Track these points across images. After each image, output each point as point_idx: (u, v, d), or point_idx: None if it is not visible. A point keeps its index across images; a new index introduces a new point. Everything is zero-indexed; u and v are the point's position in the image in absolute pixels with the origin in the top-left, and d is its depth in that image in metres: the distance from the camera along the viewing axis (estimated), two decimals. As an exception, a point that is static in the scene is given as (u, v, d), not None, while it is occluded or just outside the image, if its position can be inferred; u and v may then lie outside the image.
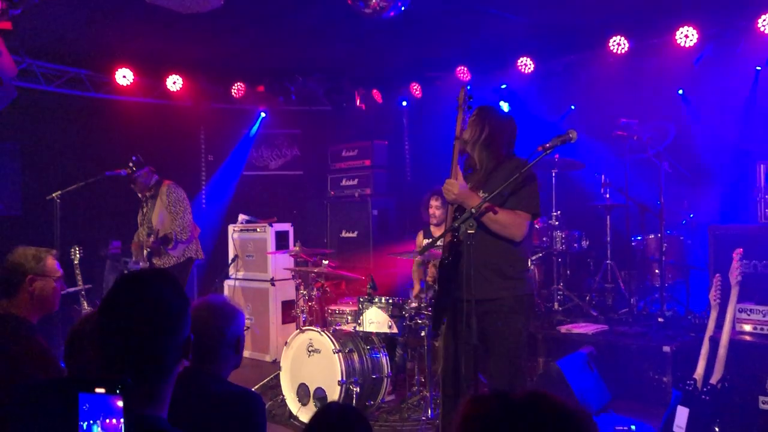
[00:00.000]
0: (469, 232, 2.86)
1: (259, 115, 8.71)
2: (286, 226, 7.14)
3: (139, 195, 5.91)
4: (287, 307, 6.78)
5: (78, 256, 5.83)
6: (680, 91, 6.54)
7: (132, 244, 6.02)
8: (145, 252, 5.71)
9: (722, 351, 3.59)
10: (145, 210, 5.87)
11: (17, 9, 4.82)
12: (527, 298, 3.29)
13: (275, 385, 5.15)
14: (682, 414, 3.59)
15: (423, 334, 4.73)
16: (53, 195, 5.59)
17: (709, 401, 3.54)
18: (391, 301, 4.82)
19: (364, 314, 4.86)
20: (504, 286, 3.20)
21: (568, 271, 6.23)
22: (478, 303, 2.92)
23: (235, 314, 2.32)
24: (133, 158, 5.75)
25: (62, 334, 4.82)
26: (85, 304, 5.78)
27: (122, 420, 1.28)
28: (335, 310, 5.43)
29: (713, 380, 3.57)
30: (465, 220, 2.88)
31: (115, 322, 1.51)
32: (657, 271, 5.73)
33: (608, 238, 6.06)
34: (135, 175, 5.73)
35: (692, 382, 3.63)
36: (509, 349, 3.18)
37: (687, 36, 6.01)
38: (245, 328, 2.41)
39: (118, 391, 1.28)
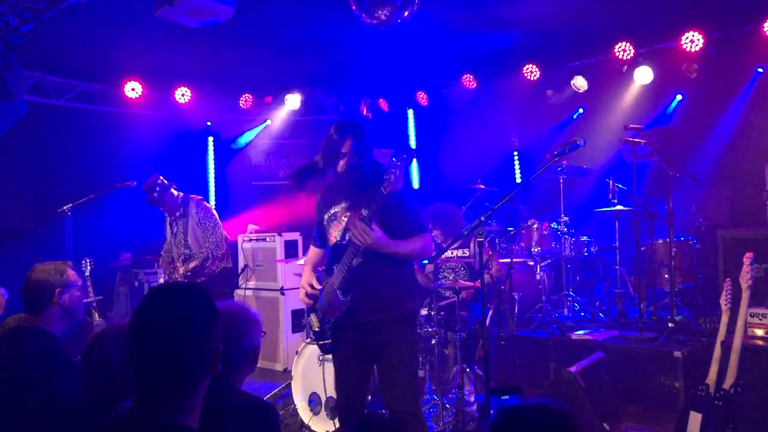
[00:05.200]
0: (479, 240, 2.89)
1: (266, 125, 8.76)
2: (295, 236, 7.15)
3: (168, 216, 5.73)
4: (297, 316, 6.79)
5: (89, 268, 5.88)
6: (679, 97, 6.57)
7: (161, 262, 5.86)
8: (181, 271, 5.52)
9: (734, 356, 3.57)
10: (175, 230, 5.69)
11: (29, 25, 4.89)
12: (414, 313, 3.31)
13: (287, 394, 5.16)
14: (695, 420, 3.58)
15: (434, 342, 4.73)
16: (64, 208, 5.63)
17: (722, 407, 3.52)
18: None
19: (374, 323, 4.85)
20: (398, 301, 3.16)
21: (578, 277, 6.22)
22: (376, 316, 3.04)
23: (254, 323, 2.30)
24: (158, 182, 5.47)
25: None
26: (96, 315, 5.81)
27: None
28: (345, 318, 5.41)
29: (726, 385, 3.56)
30: (475, 228, 2.90)
31: (146, 334, 1.54)
32: (667, 275, 5.71)
33: (617, 244, 6.05)
34: (164, 198, 5.51)
35: (704, 387, 3.62)
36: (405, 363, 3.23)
37: (693, 41, 6.03)
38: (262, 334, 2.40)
39: None
